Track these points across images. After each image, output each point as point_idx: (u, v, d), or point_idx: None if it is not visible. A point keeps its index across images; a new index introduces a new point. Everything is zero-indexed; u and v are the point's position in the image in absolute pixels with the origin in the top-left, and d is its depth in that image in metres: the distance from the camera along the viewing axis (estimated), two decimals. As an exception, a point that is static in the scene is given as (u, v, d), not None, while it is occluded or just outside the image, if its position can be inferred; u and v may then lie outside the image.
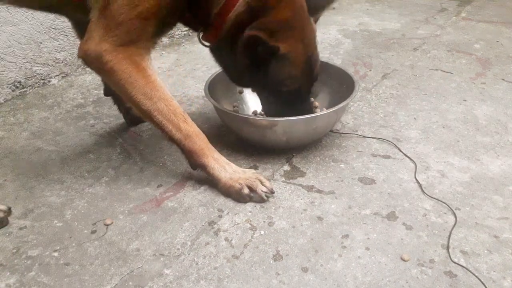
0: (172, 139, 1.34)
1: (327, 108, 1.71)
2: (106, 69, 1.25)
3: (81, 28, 1.29)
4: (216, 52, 1.42)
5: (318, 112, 1.56)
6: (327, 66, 1.74)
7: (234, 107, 1.75)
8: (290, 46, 1.31)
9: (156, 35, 1.29)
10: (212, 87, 1.61)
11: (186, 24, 1.43)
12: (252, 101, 1.74)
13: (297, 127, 1.46)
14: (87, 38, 1.25)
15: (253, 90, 1.58)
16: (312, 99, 1.72)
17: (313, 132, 1.51)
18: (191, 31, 2.69)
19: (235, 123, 1.55)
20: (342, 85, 1.66)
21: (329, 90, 1.73)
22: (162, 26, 1.29)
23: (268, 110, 1.52)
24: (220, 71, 1.66)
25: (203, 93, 1.73)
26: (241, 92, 1.78)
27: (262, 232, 1.22)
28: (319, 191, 1.37)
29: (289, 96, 1.43)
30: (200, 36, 1.39)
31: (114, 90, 1.35)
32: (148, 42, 1.28)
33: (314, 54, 1.41)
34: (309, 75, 1.42)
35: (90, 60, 1.26)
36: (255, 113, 1.71)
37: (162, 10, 1.22)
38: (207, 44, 1.41)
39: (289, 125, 1.45)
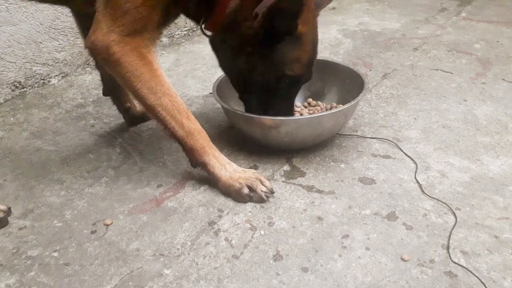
0: (174, 136, 1.34)
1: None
2: (112, 60, 1.25)
3: (83, 22, 1.29)
4: (217, 41, 1.40)
5: (320, 112, 1.55)
6: (335, 65, 1.74)
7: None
8: (304, 28, 1.32)
9: (161, 25, 1.29)
10: (220, 86, 1.60)
11: (188, 15, 1.41)
12: None
13: (302, 128, 1.45)
14: (95, 29, 1.25)
15: (241, 92, 1.52)
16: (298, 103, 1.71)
17: (319, 133, 1.50)
18: (191, 31, 2.70)
19: (239, 121, 1.54)
20: (352, 85, 1.65)
21: (338, 91, 1.73)
22: (168, 15, 1.28)
23: (253, 104, 1.47)
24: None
25: (203, 93, 1.73)
26: None
27: (262, 232, 1.22)
28: (319, 191, 1.37)
29: (284, 87, 1.42)
30: (203, 26, 1.38)
31: (118, 83, 1.35)
32: (153, 33, 1.28)
33: (316, 47, 1.42)
34: (310, 67, 1.43)
35: (97, 51, 1.26)
36: None
37: None
38: (209, 34, 1.40)
39: (293, 125, 1.43)
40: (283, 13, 1.25)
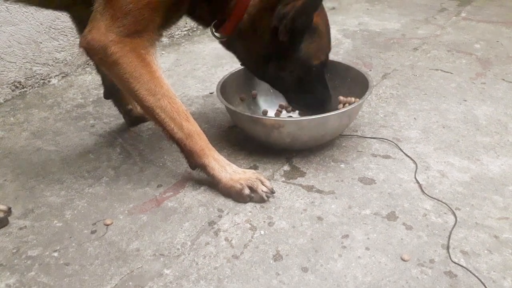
0: (173, 138, 1.32)
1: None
2: (110, 61, 1.22)
3: (82, 23, 1.28)
4: (236, 43, 1.42)
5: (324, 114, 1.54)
6: (337, 64, 1.74)
7: (241, 99, 1.72)
8: (317, 17, 1.38)
9: (162, 27, 1.28)
10: (223, 87, 1.61)
11: (195, 19, 1.42)
12: (262, 102, 1.75)
13: (305, 129, 1.45)
14: (92, 28, 1.21)
15: (273, 85, 1.57)
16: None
17: (323, 134, 1.50)
18: (191, 31, 2.70)
19: (243, 122, 1.54)
20: (354, 84, 1.65)
21: (340, 90, 1.73)
22: (170, 17, 1.27)
23: (297, 100, 1.52)
24: (229, 73, 1.66)
25: (203, 93, 1.72)
26: (254, 96, 1.74)
27: (262, 232, 1.22)
28: (319, 191, 1.37)
29: (316, 75, 1.47)
30: (214, 29, 1.39)
31: (116, 84, 1.31)
32: (153, 34, 1.26)
33: (329, 28, 1.48)
34: (330, 49, 1.50)
35: (94, 51, 1.22)
36: (264, 113, 1.71)
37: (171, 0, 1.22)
38: (221, 37, 1.41)
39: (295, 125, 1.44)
40: (306, 10, 1.29)
